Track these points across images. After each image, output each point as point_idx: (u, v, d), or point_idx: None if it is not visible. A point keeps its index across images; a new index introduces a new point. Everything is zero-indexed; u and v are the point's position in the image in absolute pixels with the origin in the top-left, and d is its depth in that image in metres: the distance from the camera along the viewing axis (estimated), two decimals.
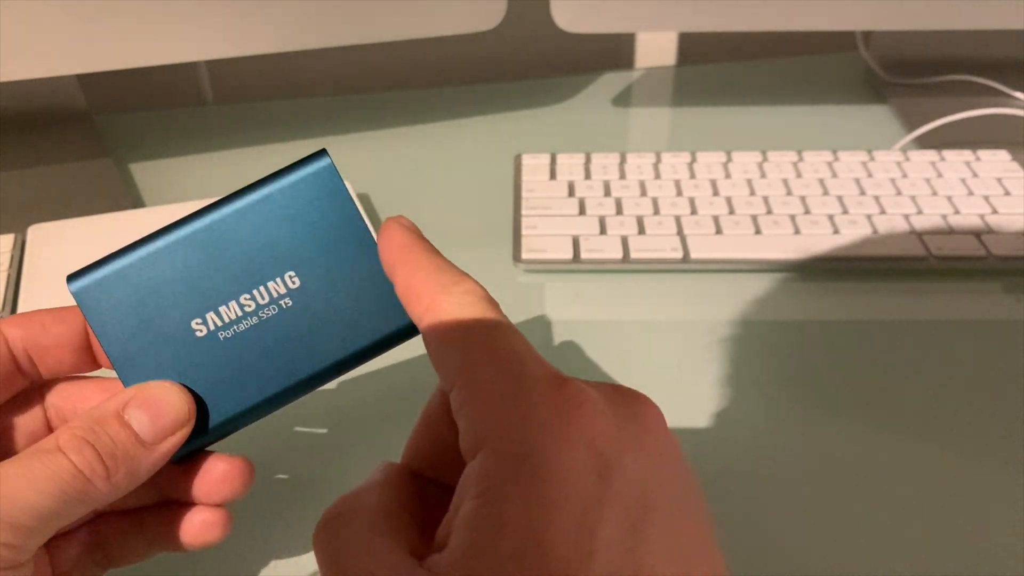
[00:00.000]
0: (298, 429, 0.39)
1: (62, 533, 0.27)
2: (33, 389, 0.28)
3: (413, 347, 0.28)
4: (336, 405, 0.40)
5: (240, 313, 0.26)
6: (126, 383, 0.26)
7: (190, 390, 0.26)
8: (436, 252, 0.25)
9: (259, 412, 0.27)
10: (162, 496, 0.28)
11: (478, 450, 0.21)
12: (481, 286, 0.24)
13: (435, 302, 0.23)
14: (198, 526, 0.27)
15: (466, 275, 0.24)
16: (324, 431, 0.39)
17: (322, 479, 0.36)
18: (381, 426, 0.38)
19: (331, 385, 0.27)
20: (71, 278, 0.26)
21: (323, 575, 0.22)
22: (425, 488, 0.25)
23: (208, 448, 0.27)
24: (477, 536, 0.19)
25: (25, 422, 0.28)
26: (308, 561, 0.33)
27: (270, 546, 0.34)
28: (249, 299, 0.26)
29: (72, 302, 0.26)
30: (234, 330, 0.26)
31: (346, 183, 0.26)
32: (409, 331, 0.27)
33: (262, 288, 0.26)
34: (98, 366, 0.29)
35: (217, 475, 0.27)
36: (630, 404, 0.23)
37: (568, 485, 0.20)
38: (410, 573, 0.20)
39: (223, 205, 0.26)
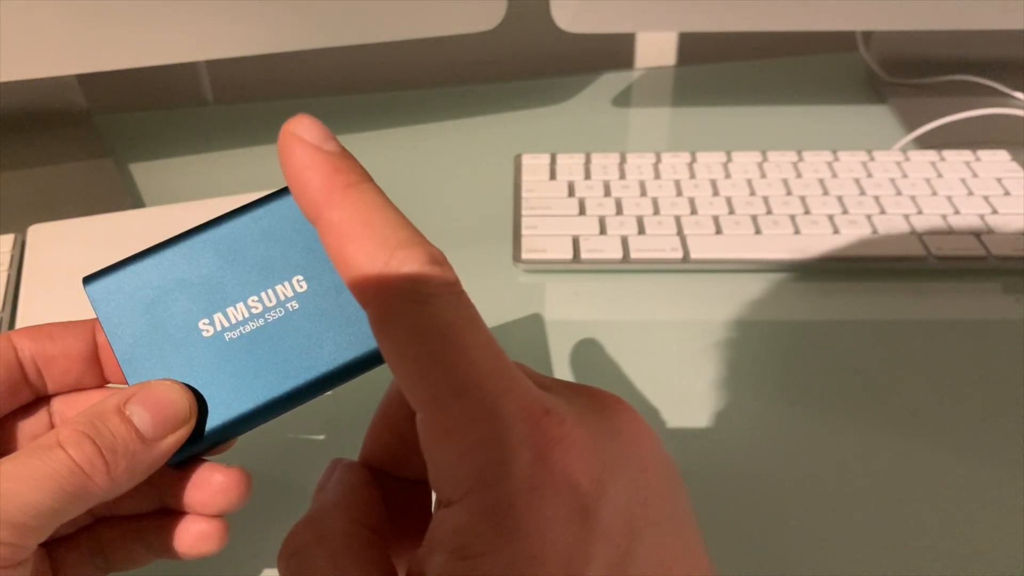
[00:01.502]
0: (293, 436, 0.39)
1: (62, 537, 0.27)
2: (40, 400, 0.28)
3: None
4: (332, 410, 0.39)
5: (247, 315, 0.26)
6: (131, 382, 0.26)
7: (193, 391, 0.26)
8: (360, 185, 0.22)
9: (260, 416, 0.27)
10: (161, 504, 0.28)
11: (452, 500, 0.19)
12: (427, 248, 0.21)
13: (384, 299, 0.20)
14: (194, 536, 0.27)
15: (407, 236, 0.21)
16: (321, 437, 0.39)
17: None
18: None
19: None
20: (87, 280, 0.26)
21: None
22: (387, 487, 0.25)
23: (206, 458, 0.27)
24: None
25: (30, 427, 0.28)
26: None
27: (266, 553, 0.34)
28: (256, 301, 0.26)
29: (79, 303, 0.26)
30: (240, 331, 0.26)
31: None
32: None
33: (270, 291, 0.26)
34: (104, 382, 0.28)
35: (214, 486, 0.26)
36: (609, 417, 0.22)
37: (552, 535, 0.19)
38: None
39: (238, 212, 0.27)
